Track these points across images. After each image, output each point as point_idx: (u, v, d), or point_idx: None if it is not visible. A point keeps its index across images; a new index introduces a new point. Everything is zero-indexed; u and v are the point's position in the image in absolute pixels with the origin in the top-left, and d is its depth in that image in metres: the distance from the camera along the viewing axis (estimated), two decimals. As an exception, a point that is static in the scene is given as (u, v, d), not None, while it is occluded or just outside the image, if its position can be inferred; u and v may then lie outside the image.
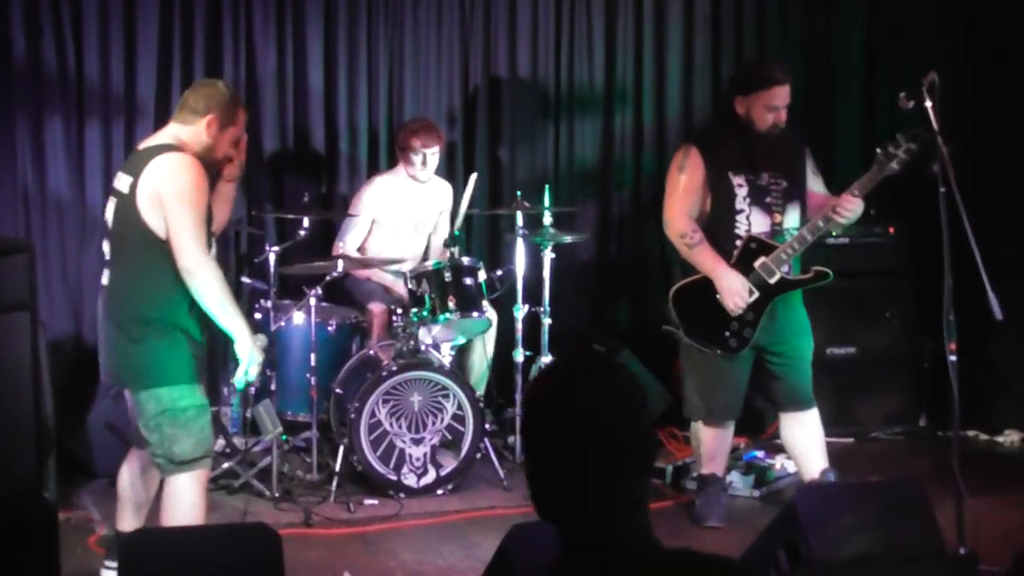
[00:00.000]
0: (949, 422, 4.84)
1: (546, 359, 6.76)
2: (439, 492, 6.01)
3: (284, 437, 6.07)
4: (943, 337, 4.75)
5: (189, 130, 4.53)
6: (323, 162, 7.25)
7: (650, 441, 2.15)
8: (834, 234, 5.52)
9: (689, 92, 7.84)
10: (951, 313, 4.72)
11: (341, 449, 5.98)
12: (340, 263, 6.15)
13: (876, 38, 7.97)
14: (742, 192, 5.35)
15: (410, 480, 5.96)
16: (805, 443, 5.55)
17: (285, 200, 7.13)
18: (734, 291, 5.28)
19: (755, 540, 4.00)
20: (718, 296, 5.33)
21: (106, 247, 4.54)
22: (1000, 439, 7.11)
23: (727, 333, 5.35)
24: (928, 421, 7.23)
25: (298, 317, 6.34)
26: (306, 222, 6.18)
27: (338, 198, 7.30)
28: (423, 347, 6.16)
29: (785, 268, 5.31)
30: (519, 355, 6.59)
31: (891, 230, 7.21)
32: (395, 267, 6.72)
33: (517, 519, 5.27)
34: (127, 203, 4.39)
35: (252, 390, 6.41)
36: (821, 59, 7.94)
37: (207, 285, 4.39)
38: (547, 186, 6.86)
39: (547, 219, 6.67)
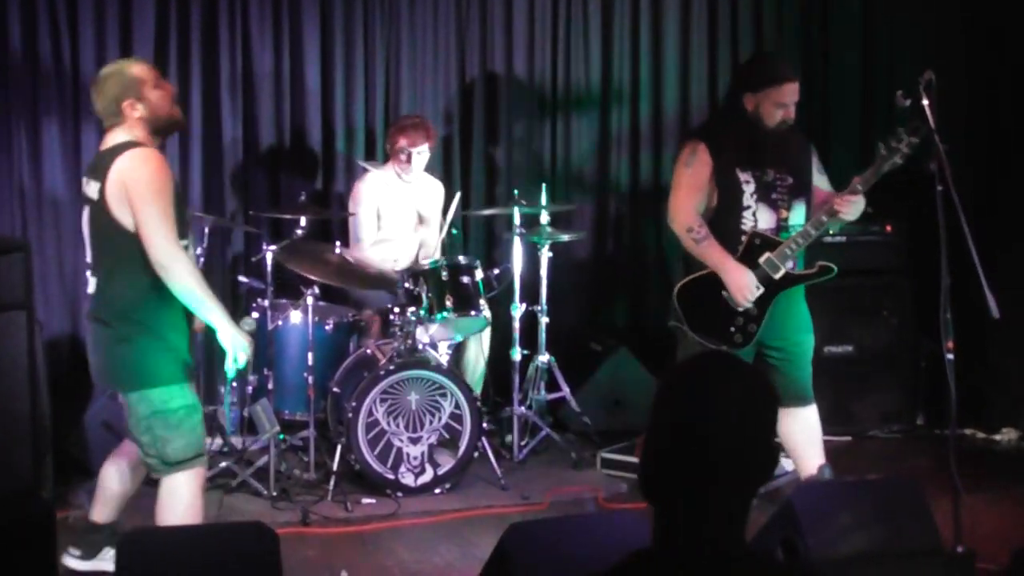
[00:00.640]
0: (946, 420, 4.85)
1: (543, 358, 6.77)
2: (437, 491, 6.01)
3: (281, 436, 6.06)
4: (940, 335, 4.75)
5: (126, 127, 4.49)
6: (320, 160, 7.24)
7: (773, 457, 2.15)
8: (831, 232, 5.50)
9: (686, 90, 7.84)
10: (948, 311, 4.72)
11: (338, 448, 5.98)
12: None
13: (873, 36, 7.97)
14: (749, 188, 5.32)
15: (408, 479, 5.96)
16: (803, 439, 5.54)
17: (282, 199, 7.13)
18: (742, 286, 5.27)
19: (753, 538, 4.00)
20: (724, 292, 5.32)
21: (89, 255, 4.51)
22: (997, 437, 7.11)
23: (732, 328, 5.34)
24: (925, 419, 7.24)
25: (295, 316, 6.34)
26: (303, 221, 6.18)
27: (334, 196, 7.30)
28: (420, 346, 6.15)
29: (790, 264, 5.30)
30: (516, 354, 6.59)
31: (888, 228, 7.21)
32: (389, 264, 6.72)
33: (515, 518, 5.31)
34: (99, 208, 4.37)
35: (249, 389, 6.42)
36: (818, 57, 7.93)
37: (179, 277, 4.33)
38: (544, 184, 6.85)
39: (544, 218, 6.67)
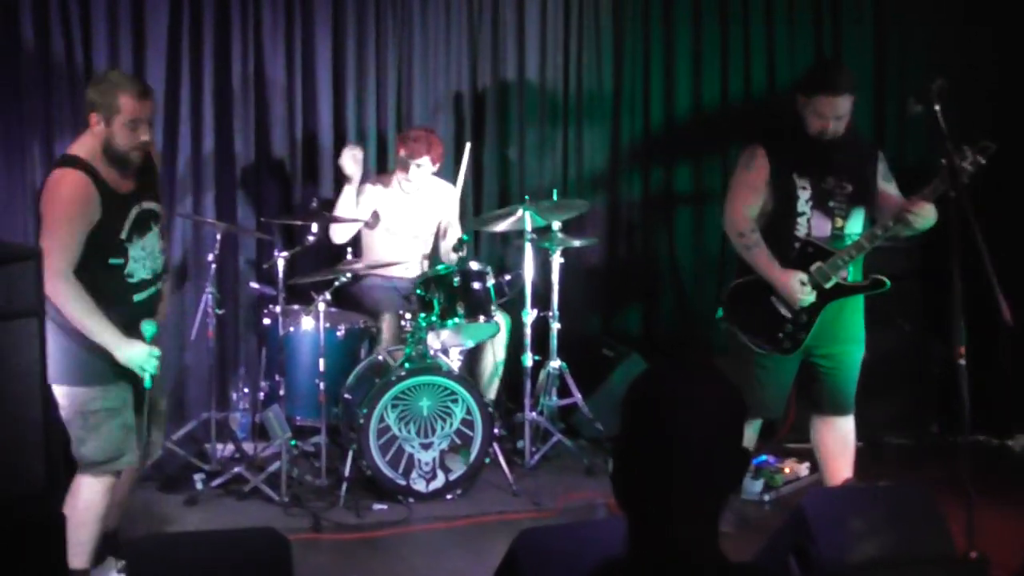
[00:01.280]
0: (959, 426, 4.83)
1: (555, 364, 6.76)
2: (448, 497, 6.01)
3: (293, 442, 6.08)
4: (953, 342, 4.74)
5: (85, 136, 4.63)
6: (331, 167, 7.24)
7: (740, 459, 2.14)
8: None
9: (698, 97, 7.83)
10: (961, 318, 4.71)
11: (350, 454, 5.99)
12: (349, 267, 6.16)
13: (885, 43, 7.95)
14: (805, 195, 5.25)
15: (419, 485, 5.96)
16: (835, 449, 5.50)
17: (293, 205, 7.14)
18: (792, 289, 5.20)
19: (764, 544, 4.00)
20: (773, 298, 5.28)
21: None
22: (1010, 443, 7.10)
23: (781, 335, 5.30)
24: (938, 425, 7.22)
25: (307, 323, 6.35)
26: (314, 227, 6.19)
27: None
28: (432, 352, 6.16)
29: (842, 274, 5.25)
30: (528, 360, 6.59)
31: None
32: (398, 270, 6.73)
33: (526, 524, 5.31)
34: None
35: (261, 395, 6.43)
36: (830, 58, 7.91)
37: (63, 307, 4.47)
38: (556, 191, 6.86)
39: (556, 224, 6.67)
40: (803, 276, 5.22)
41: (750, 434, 5.59)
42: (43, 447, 4.01)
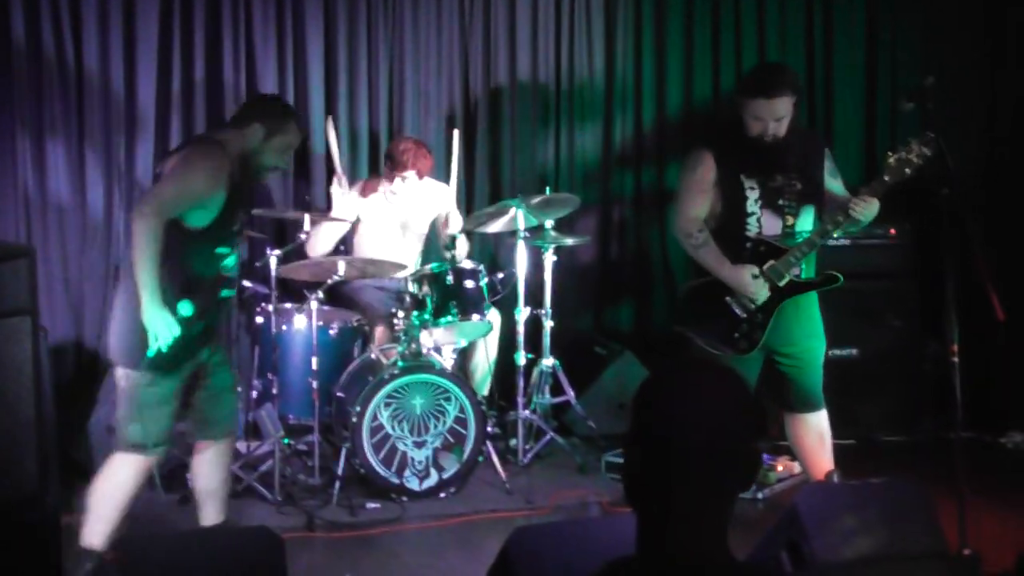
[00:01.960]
0: (952, 424, 4.83)
1: (548, 362, 6.77)
2: (441, 495, 6.01)
3: (286, 441, 6.07)
4: (945, 339, 4.74)
5: (233, 133, 4.85)
6: (323, 166, 7.23)
7: (751, 463, 2.13)
8: (837, 237, 5.45)
9: (689, 95, 7.84)
10: (953, 314, 4.71)
11: (343, 452, 5.98)
12: (341, 267, 6.15)
13: (876, 39, 7.96)
14: (753, 195, 5.28)
15: (412, 483, 5.96)
16: (812, 445, 5.53)
17: (286, 203, 7.13)
18: (744, 283, 5.23)
19: (759, 542, 4.00)
20: (728, 298, 5.31)
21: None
22: (1003, 440, 7.11)
23: (736, 335, 5.32)
24: (931, 423, 7.22)
25: (299, 321, 6.34)
26: (307, 225, 6.18)
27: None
28: (425, 350, 6.16)
29: (795, 271, 5.27)
30: (521, 358, 6.59)
31: (893, 232, 7.20)
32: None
33: (520, 522, 5.31)
34: None
35: (254, 394, 6.42)
36: (821, 61, 7.92)
37: (135, 240, 4.56)
38: (548, 189, 6.85)
39: (548, 222, 6.67)
40: (754, 269, 5.24)
41: None
42: (36, 447, 4.00)
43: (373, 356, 6.30)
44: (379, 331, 6.57)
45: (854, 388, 7.02)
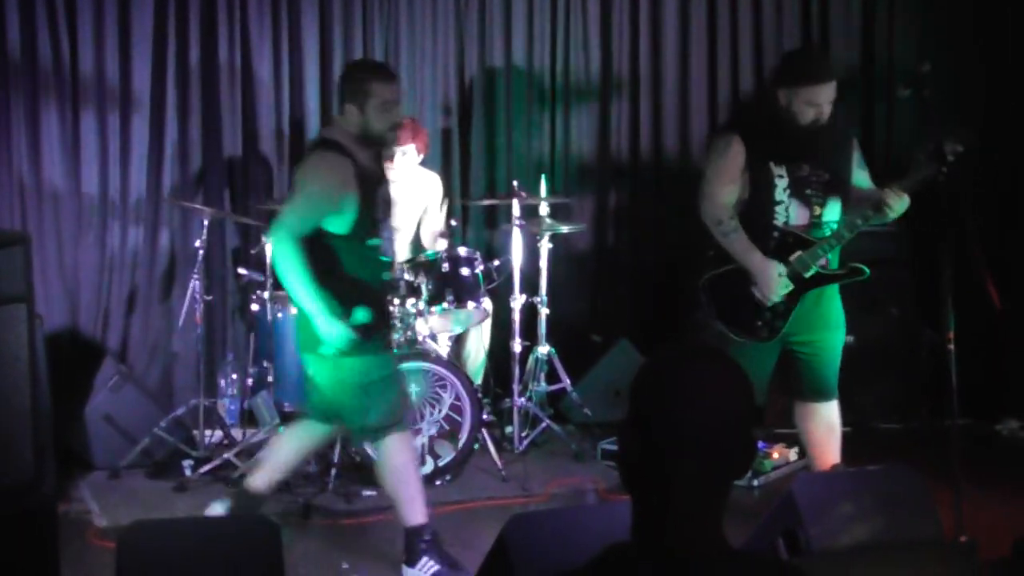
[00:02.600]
0: (948, 411, 4.84)
1: (543, 349, 6.76)
2: (437, 483, 6.01)
3: (281, 429, 6.06)
4: (942, 327, 4.74)
5: (339, 124, 4.93)
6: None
7: (748, 450, 2.12)
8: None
9: (685, 81, 7.82)
10: (949, 303, 4.71)
11: (339, 440, 5.98)
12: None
13: (873, 26, 7.95)
14: (782, 183, 5.22)
15: (408, 471, 5.95)
16: (821, 436, 5.48)
17: (280, 191, 7.12)
18: (770, 280, 5.20)
19: (754, 530, 4.00)
20: (752, 287, 5.27)
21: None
22: (998, 427, 7.12)
23: (759, 323, 5.28)
24: (927, 410, 7.23)
25: (295, 308, 6.33)
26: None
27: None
28: (420, 338, 6.15)
29: (822, 262, 5.23)
30: (516, 345, 6.58)
31: (889, 220, 7.20)
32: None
33: (515, 509, 5.31)
34: None
35: (249, 381, 6.42)
36: (818, 48, 7.91)
37: (280, 267, 4.77)
38: (544, 176, 6.85)
39: (544, 209, 6.66)
40: (781, 268, 5.21)
41: None
42: (32, 435, 4.00)
43: (369, 344, 6.29)
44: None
45: (850, 376, 6.95)
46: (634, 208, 7.85)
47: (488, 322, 6.68)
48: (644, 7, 7.75)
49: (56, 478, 5.73)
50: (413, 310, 6.09)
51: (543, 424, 6.64)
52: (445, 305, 6.08)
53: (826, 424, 5.48)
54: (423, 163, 6.95)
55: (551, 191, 6.90)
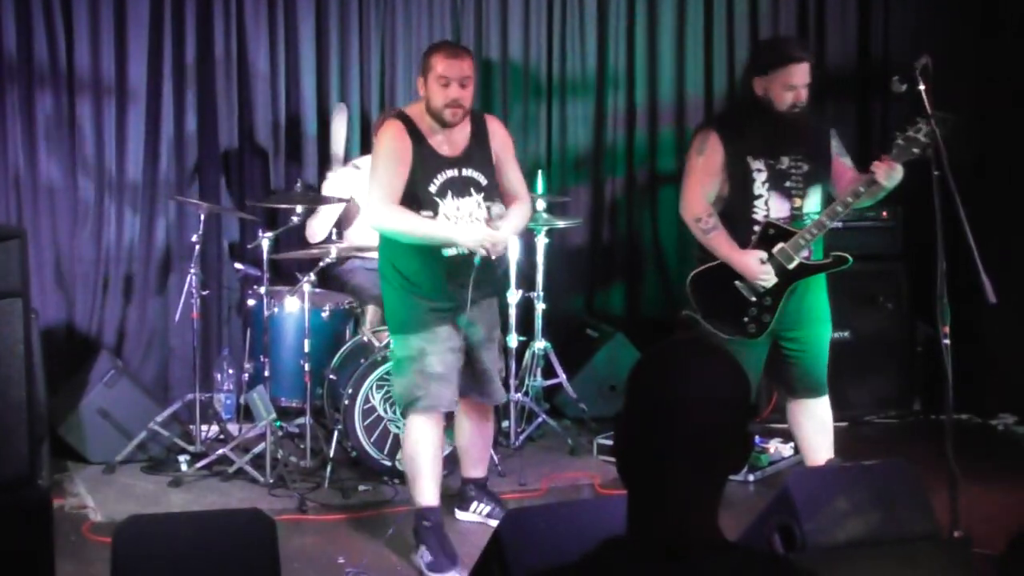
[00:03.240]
0: (943, 406, 4.85)
1: (540, 344, 6.76)
2: (433, 477, 6.00)
3: (278, 423, 6.06)
4: (937, 321, 4.75)
5: (418, 100, 5.13)
6: (315, 148, 7.22)
7: (744, 445, 2.12)
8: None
9: (681, 75, 7.82)
10: (944, 297, 4.72)
11: (335, 435, 5.98)
12: (333, 250, 6.15)
13: (870, 18, 7.95)
14: (761, 177, 5.24)
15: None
16: (812, 431, 5.48)
17: (276, 187, 7.12)
18: (755, 270, 5.19)
19: (749, 525, 4.00)
20: (737, 282, 5.27)
21: None
22: (994, 422, 7.13)
23: (746, 319, 5.28)
24: (922, 405, 7.25)
25: (291, 303, 6.34)
26: (298, 208, 6.17)
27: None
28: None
29: (804, 253, 5.21)
30: (513, 340, 6.58)
31: (884, 214, 7.21)
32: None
33: (511, 504, 5.32)
34: None
35: (246, 376, 6.42)
36: (814, 42, 7.90)
37: (394, 229, 4.98)
38: (540, 171, 6.84)
39: (540, 204, 6.66)
40: (762, 255, 5.20)
41: None
42: (26, 429, 4.00)
43: (365, 338, 6.29)
44: (371, 313, 6.57)
45: (846, 370, 7.01)
46: (630, 203, 7.85)
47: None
48: (640, 3, 7.74)
49: (51, 473, 5.77)
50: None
51: (539, 419, 6.64)
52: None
53: (818, 420, 5.48)
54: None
55: (547, 186, 6.89)
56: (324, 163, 7.13)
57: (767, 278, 5.19)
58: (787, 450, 6.32)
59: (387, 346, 6.02)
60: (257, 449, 5.99)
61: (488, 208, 5.07)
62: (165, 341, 6.92)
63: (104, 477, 6.06)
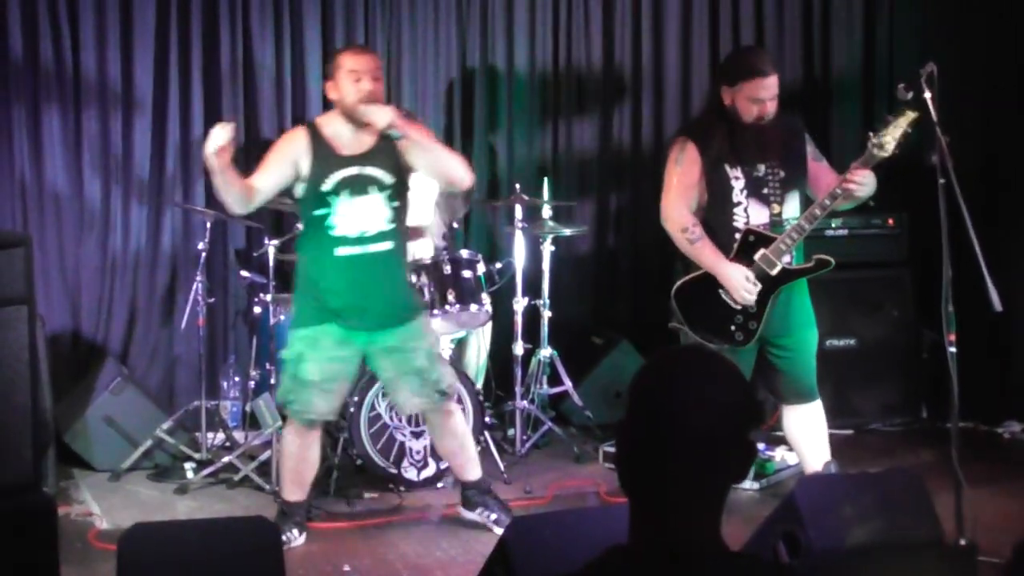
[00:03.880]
0: (948, 413, 4.84)
1: (545, 352, 6.76)
2: (439, 485, 6.01)
3: (283, 431, 6.05)
4: (942, 328, 4.74)
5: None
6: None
7: (747, 453, 2.11)
8: (834, 225, 5.40)
9: (687, 82, 7.83)
10: (950, 304, 4.71)
11: (341, 442, 5.98)
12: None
13: (874, 26, 7.95)
14: (739, 184, 5.27)
15: (410, 473, 5.96)
16: (808, 436, 5.50)
17: (283, 192, 7.12)
18: (739, 284, 5.22)
19: (755, 532, 4.00)
20: (720, 291, 5.28)
21: None
22: (1000, 430, 7.11)
23: (733, 327, 5.29)
24: (928, 412, 7.23)
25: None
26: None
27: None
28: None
29: (786, 259, 5.23)
30: (519, 348, 6.58)
31: (890, 222, 7.20)
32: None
33: (517, 512, 5.32)
34: None
35: (252, 384, 6.43)
36: (819, 48, 7.91)
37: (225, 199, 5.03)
38: (546, 179, 6.84)
39: (546, 211, 6.66)
40: (748, 272, 5.22)
41: None
42: (32, 435, 4.00)
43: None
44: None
45: (851, 378, 7.02)
46: (635, 210, 7.84)
47: (490, 325, 6.68)
48: (646, 8, 7.75)
49: (57, 480, 5.77)
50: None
51: (545, 426, 6.64)
52: (447, 308, 6.08)
53: (811, 425, 5.49)
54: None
55: (553, 193, 6.89)
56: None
57: (749, 297, 5.21)
58: (792, 458, 6.30)
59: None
60: (263, 457, 5.99)
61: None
62: (171, 348, 6.93)
63: (110, 484, 6.06)
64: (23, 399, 3.96)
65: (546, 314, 6.75)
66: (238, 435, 6.41)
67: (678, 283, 5.41)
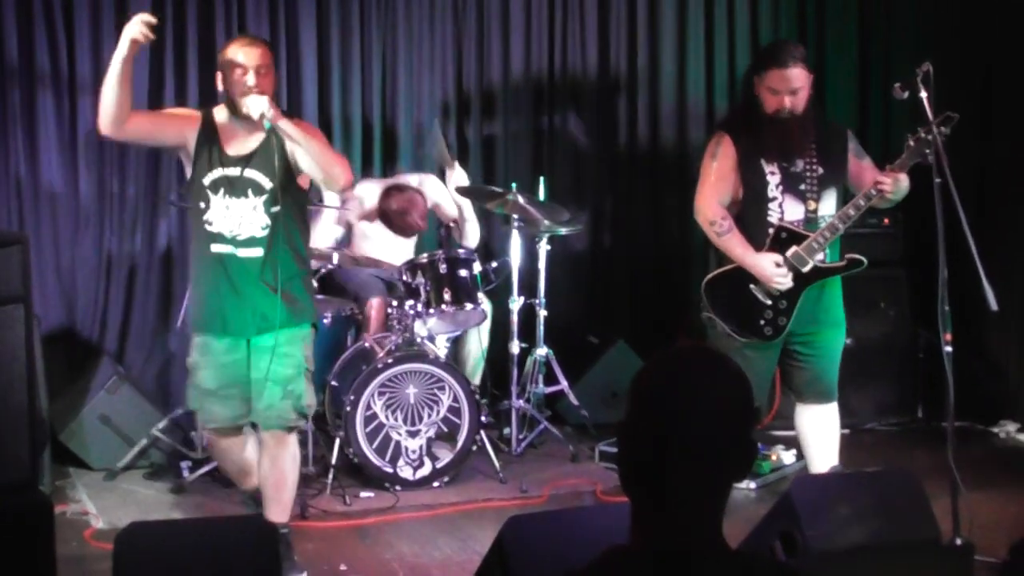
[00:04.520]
0: (945, 413, 4.84)
1: (541, 351, 6.76)
2: (435, 484, 6.01)
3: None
4: (939, 328, 4.74)
5: None
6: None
7: (748, 452, 2.11)
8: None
9: (682, 82, 7.83)
10: (946, 304, 4.71)
11: (337, 442, 5.98)
12: (335, 256, 6.15)
13: (870, 23, 7.96)
14: (774, 180, 5.23)
15: (406, 472, 5.96)
16: (819, 437, 5.47)
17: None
18: (770, 272, 5.19)
19: (751, 532, 4.00)
20: (752, 285, 5.27)
21: None
22: (995, 429, 7.12)
23: (762, 321, 5.27)
24: (924, 412, 7.24)
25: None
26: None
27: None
28: (419, 339, 6.15)
29: (819, 256, 5.21)
30: (515, 347, 6.58)
31: (886, 221, 7.21)
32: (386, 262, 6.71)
33: (513, 511, 5.28)
34: None
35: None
36: (814, 47, 7.91)
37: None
38: (542, 178, 6.84)
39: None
40: (777, 258, 5.19)
41: None
42: (28, 434, 4.00)
43: (367, 345, 6.30)
44: (373, 315, 6.53)
45: (848, 377, 6.97)
46: (631, 210, 7.85)
47: (486, 324, 6.68)
48: (641, 10, 7.76)
49: (53, 479, 5.77)
50: (411, 311, 6.10)
51: (541, 426, 6.64)
52: (443, 307, 6.08)
53: (824, 426, 5.47)
54: (418, 169, 7.01)
55: (549, 193, 6.89)
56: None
57: (783, 281, 5.19)
58: (789, 457, 6.32)
59: (390, 352, 6.04)
60: (259, 455, 5.98)
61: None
62: (167, 347, 6.92)
63: (106, 483, 6.06)
64: (19, 398, 3.96)
65: (542, 313, 6.75)
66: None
67: (709, 276, 5.40)
